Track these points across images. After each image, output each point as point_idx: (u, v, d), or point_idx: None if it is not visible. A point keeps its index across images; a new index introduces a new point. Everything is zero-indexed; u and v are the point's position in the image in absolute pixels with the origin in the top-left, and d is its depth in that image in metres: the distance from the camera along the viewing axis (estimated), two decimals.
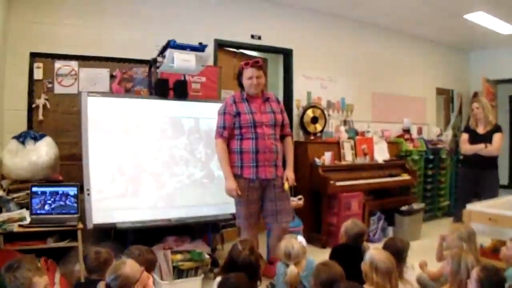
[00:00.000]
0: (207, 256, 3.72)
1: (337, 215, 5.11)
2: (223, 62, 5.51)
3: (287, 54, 6.15)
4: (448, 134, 7.48)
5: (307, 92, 6.23)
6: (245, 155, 3.63)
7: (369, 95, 7.01)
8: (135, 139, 4.04)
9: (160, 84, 4.29)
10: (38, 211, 3.61)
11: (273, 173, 3.68)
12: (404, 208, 5.58)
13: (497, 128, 4.84)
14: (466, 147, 4.95)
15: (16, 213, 3.46)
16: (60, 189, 3.74)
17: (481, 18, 6.42)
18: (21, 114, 4.29)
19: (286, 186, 3.73)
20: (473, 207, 3.76)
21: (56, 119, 4.41)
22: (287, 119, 3.95)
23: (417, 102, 7.78)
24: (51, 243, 3.37)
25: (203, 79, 4.94)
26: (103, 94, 4.30)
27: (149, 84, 4.56)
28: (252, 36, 5.78)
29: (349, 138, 5.99)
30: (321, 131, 6.00)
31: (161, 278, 3.43)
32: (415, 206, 5.72)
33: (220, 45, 5.54)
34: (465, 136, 4.98)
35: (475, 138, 4.86)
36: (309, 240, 4.61)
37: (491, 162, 4.82)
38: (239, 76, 3.75)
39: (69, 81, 4.49)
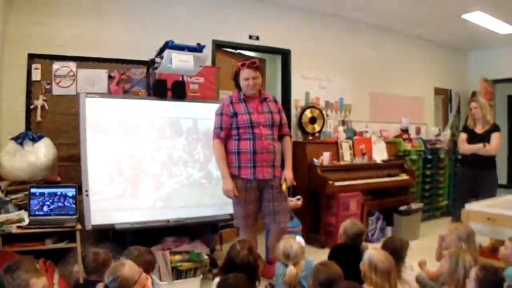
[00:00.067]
0: (205, 257, 3.72)
1: (335, 215, 5.11)
2: (221, 63, 5.51)
3: (285, 55, 6.15)
4: (446, 134, 7.47)
5: (305, 92, 6.23)
6: (243, 155, 3.63)
7: (367, 95, 7.02)
8: (134, 140, 4.04)
9: (158, 85, 4.29)
10: (37, 212, 3.60)
11: (270, 173, 3.68)
12: (402, 208, 5.58)
13: (495, 128, 4.84)
14: (465, 147, 4.95)
15: (14, 215, 3.45)
16: (58, 190, 3.73)
17: (479, 18, 6.43)
18: (19, 115, 4.29)
19: (284, 186, 3.73)
20: (472, 206, 3.77)
21: (54, 120, 4.41)
22: (285, 118, 3.94)
23: (415, 102, 7.79)
24: (49, 245, 3.37)
25: (201, 79, 4.94)
26: (101, 95, 4.31)
27: (147, 84, 4.56)
28: (250, 37, 5.78)
29: (347, 138, 6.00)
30: (320, 131, 6.01)
31: (160, 279, 3.42)
32: (414, 206, 5.73)
33: (218, 46, 5.54)
34: (463, 136, 4.99)
35: (473, 137, 4.87)
36: (308, 240, 4.59)
37: (489, 162, 4.82)
38: (236, 76, 3.75)
39: (67, 82, 4.49)
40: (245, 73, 3.65)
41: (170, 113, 4.28)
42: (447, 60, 8.47)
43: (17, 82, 4.28)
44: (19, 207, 3.62)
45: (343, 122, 6.51)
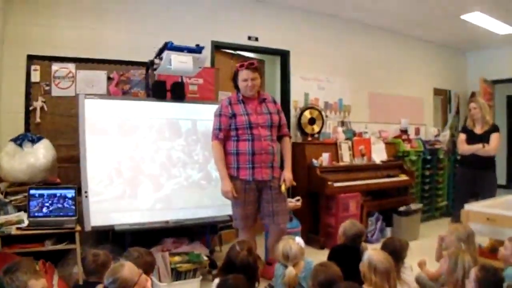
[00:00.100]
0: (205, 258, 3.72)
1: (335, 216, 5.10)
2: (220, 64, 5.51)
3: (284, 56, 6.15)
4: (446, 135, 7.47)
5: (304, 93, 6.24)
6: (241, 156, 3.63)
7: (366, 95, 7.02)
8: (133, 141, 4.04)
9: (157, 86, 4.30)
10: (36, 214, 3.60)
11: (269, 174, 3.68)
12: (402, 208, 5.58)
13: (494, 128, 4.84)
14: (464, 147, 4.95)
15: (14, 216, 3.45)
16: (58, 192, 3.73)
17: (478, 19, 6.44)
18: (18, 116, 4.29)
19: (283, 187, 3.73)
20: (471, 207, 3.77)
21: (53, 121, 4.41)
22: (285, 119, 3.93)
23: (415, 102, 7.79)
24: (49, 246, 3.37)
25: (200, 81, 4.94)
26: (101, 96, 4.32)
27: (147, 86, 4.56)
28: (249, 38, 5.79)
29: (346, 139, 6.00)
30: (319, 132, 6.01)
31: (159, 280, 3.42)
32: (413, 206, 5.73)
33: (217, 47, 5.55)
34: (462, 136, 4.99)
35: (472, 138, 4.86)
36: (307, 241, 4.59)
37: (488, 162, 4.82)
38: (234, 77, 3.75)
39: (66, 84, 4.49)
40: (243, 74, 3.64)
41: (169, 114, 4.28)
42: (447, 61, 8.48)
43: (16, 83, 4.28)
44: (19, 209, 3.62)
45: (343, 123, 6.52)
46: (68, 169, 4.23)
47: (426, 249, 3.71)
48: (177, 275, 3.46)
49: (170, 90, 4.33)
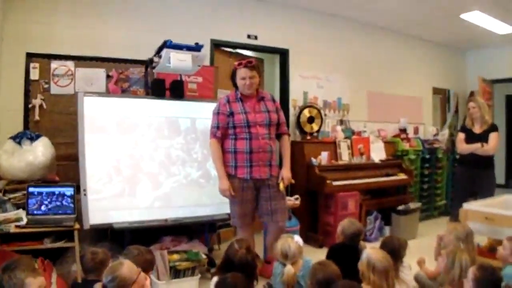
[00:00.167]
0: (204, 256, 3.72)
1: (333, 214, 5.10)
2: (220, 62, 5.51)
3: (283, 54, 6.15)
4: (445, 134, 7.47)
5: (303, 92, 6.24)
6: (239, 155, 3.63)
7: (365, 94, 7.03)
8: (132, 139, 4.03)
9: (156, 84, 4.29)
10: (35, 212, 3.60)
11: (267, 172, 3.67)
12: (400, 207, 5.58)
13: (493, 128, 4.84)
14: (463, 147, 4.95)
15: (12, 214, 3.44)
16: (56, 190, 3.73)
17: (477, 18, 6.45)
18: (17, 114, 4.28)
19: (281, 186, 3.73)
20: (470, 206, 3.78)
21: (52, 119, 4.40)
22: (283, 117, 3.93)
23: (414, 101, 7.80)
24: (47, 244, 3.37)
25: (200, 79, 4.94)
26: (100, 94, 4.31)
27: (146, 84, 4.56)
28: (248, 36, 5.78)
29: (345, 137, 6.00)
30: (318, 131, 6.01)
31: (158, 278, 3.42)
32: (412, 205, 5.73)
33: (216, 45, 5.54)
34: (461, 136, 4.99)
35: (471, 137, 4.86)
36: (306, 240, 4.62)
37: (487, 162, 4.82)
38: (233, 76, 3.75)
39: (65, 81, 4.48)
40: (241, 72, 3.64)
41: (168, 112, 4.28)
42: (446, 60, 8.48)
43: (15, 81, 4.27)
44: (17, 206, 3.61)
45: (341, 122, 6.51)
46: (67, 167, 4.22)
47: (425, 248, 3.72)
48: (176, 273, 3.45)
49: (169, 88, 4.32)
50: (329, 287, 2.35)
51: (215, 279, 2.68)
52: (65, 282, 3.30)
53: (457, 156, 5.58)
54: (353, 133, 6.31)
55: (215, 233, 4.76)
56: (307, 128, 5.91)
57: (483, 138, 4.78)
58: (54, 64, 4.44)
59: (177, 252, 3.66)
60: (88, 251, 2.65)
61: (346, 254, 2.99)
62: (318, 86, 6.39)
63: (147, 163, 4.08)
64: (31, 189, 3.64)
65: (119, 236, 3.91)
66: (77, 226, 3.51)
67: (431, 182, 6.88)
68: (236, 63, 3.74)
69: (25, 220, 3.40)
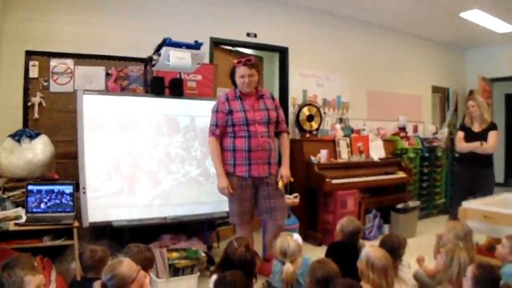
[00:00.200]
0: (203, 254, 3.72)
1: (333, 213, 5.11)
2: (219, 60, 5.50)
3: (283, 52, 6.15)
4: (444, 132, 7.48)
5: (302, 90, 6.24)
6: (238, 153, 3.62)
7: (364, 93, 7.03)
8: (131, 137, 4.03)
9: (155, 82, 4.29)
10: (34, 210, 3.60)
11: (266, 171, 3.67)
12: (399, 205, 5.59)
13: (492, 126, 4.84)
14: (462, 145, 4.95)
15: (11, 212, 3.45)
16: (55, 188, 3.73)
17: (477, 16, 6.45)
18: (16, 112, 4.28)
19: (280, 184, 3.72)
20: (469, 204, 3.78)
21: (51, 117, 4.40)
22: (283, 115, 3.92)
23: (413, 100, 7.80)
24: (47, 242, 3.37)
25: (199, 77, 4.94)
26: (99, 92, 4.30)
27: (145, 82, 4.56)
28: (248, 34, 5.78)
29: (344, 136, 6.00)
30: (317, 129, 6.01)
31: (157, 276, 3.42)
32: (411, 203, 5.73)
33: (216, 43, 5.54)
34: (460, 134, 4.99)
35: (470, 136, 4.86)
36: (305, 238, 4.62)
37: (486, 160, 4.82)
38: (232, 74, 3.74)
39: (64, 79, 4.48)
40: (240, 70, 3.63)
41: (167, 110, 4.27)
42: (445, 59, 8.48)
43: (14, 79, 4.27)
44: (16, 204, 3.61)
45: (341, 120, 6.52)
46: (66, 165, 4.22)
47: (424, 246, 3.72)
48: (175, 271, 3.46)
49: (169, 86, 4.32)
50: (328, 285, 2.34)
51: (214, 277, 2.68)
52: (64, 280, 3.30)
53: (456, 155, 5.58)
54: (352, 131, 6.31)
55: (214, 231, 4.76)
56: (306, 126, 5.91)
57: (482, 136, 4.78)
58: (53, 62, 4.43)
59: (176, 250, 3.66)
60: (87, 249, 2.64)
61: (345, 252, 2.99)
62: (317, 85, 6.39)
63: (146, 161, 4.07)
64: (30, 187, 3.64)
65: (118, 234, 3.91)
66: (76, 224, 3.50)
67: (430, 181, 6.89)
68: (235, 61, 3.73)
69: (24, 218, 3.41)
